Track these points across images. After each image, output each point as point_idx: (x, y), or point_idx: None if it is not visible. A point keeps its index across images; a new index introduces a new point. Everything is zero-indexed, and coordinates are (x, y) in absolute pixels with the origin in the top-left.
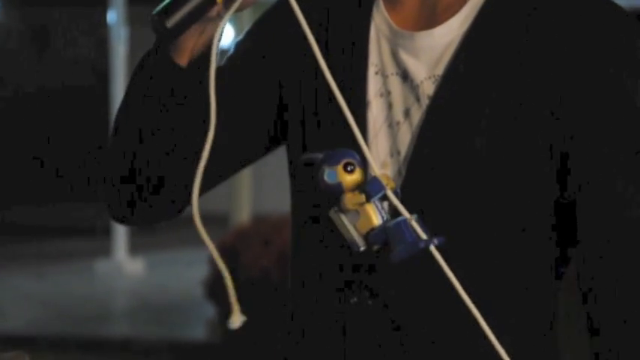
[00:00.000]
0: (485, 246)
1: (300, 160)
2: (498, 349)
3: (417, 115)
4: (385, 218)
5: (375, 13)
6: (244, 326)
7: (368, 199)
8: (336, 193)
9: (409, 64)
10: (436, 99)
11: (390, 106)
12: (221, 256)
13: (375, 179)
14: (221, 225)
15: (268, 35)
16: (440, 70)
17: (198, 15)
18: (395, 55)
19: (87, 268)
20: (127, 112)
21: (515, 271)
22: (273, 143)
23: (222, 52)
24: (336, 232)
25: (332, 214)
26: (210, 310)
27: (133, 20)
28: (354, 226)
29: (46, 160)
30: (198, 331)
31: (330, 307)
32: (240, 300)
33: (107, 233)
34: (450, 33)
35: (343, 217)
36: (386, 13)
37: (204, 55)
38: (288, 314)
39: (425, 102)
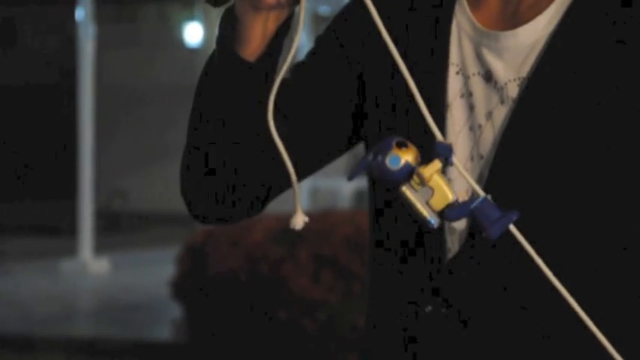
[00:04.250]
0: (571, 248)
1: (350, 176)
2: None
3: (500, 118)
4: (455, 193)
5: (457, 11)
6: (211, 326)
7: (445, 164)
8: (406, 175)
9: (493, 64)
10: (521, 101)
11: (471, 107)
12: (189, 256)
13: (440, 143)
14: (189, 225)
15: (348, 31)
16: (525, 72)
17: None
18: (479, 55)
19: (52, 267)
20: (198, 113)
21: (610, 276)
22: (354, 139)
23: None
24: (413, 240)
25: (403, 191)
26: (176, 310)
27: (100, 17)
28: (428, 203)
29: (11, 158)
30: (163, 331)
31: (403, 316)
32: (207, 300)
33: (72, 232)
34: (535, 33)
35: (415, 194)
36: (469, 12)
37: (271, 48)
38: (366, 318)
39: (509, 104)
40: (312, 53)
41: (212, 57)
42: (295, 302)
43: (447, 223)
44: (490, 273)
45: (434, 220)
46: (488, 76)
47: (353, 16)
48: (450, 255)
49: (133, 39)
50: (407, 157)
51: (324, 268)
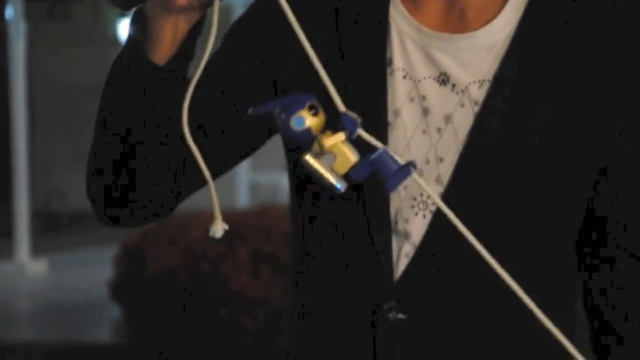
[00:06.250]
0: (526, 251)
1: (252, 111)
2: (567, 346)
3: (462, 121)
4: (358, 155)
5: (393, 14)
6: (151, 326)
7: (349, 135)
8: (304, 139)
9: (450, 67)
10: (487, 104)
11: (425, 111)
12: (126, 256)
13: (346, 115)
14: None
15: (260, 27)
16: (484, 75)
17: None
18: (430, 58)
19: None
20: (105, 115)
21: (548, 277)
22: (270, 134)
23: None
24: (361, 245)
25: (307, 159)
26: (115, 311)
27: (31, 15)
28: (331, 168)
29: None
30: (103, 333)
31: (359, 324)
32: (146, 300)
33: (8, 234)
34: (493, 35)
35: (318, 161)
36: (408, 15)
37: (181, 51)
38: (295, 322)
39: (472, 107)
40: (221, 51)
41: (119, 58)
42: (235, 300)
43: (401, 228)
44: (446, 280)
45: (340, 185)
46: (442, 79)
47: (266, 13)
48: (406, 261)
49: (66, 36)
50: (312, 122)
51: (263, 264)
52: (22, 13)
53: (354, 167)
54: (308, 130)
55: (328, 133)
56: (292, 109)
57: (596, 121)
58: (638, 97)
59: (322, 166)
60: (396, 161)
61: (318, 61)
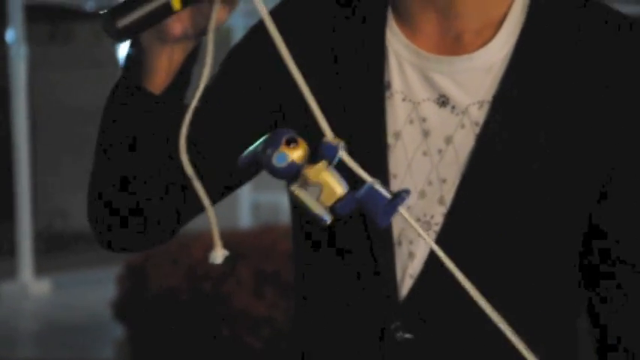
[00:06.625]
0: (530, 270)
1: (240, 164)
2: None
3: (463, 142)
4: (347, 186)
5: (390, 38)
6: (154, 346)
7: (330, 164)
8: (292, 174)
9: (449, 89)
10: (487, 125)
11: (425, 133)
12: (129, 276)
13: (327, 143)
14: None
15: (257, 53)
16: (483, 96)
17: (152, 20)
18: (429, 81)
19: None
20: (103, 143)
21: (550, 301)
22: None
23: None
24: (365, 266)
25: (293, 190)
26: (118, 331)
27: (32, 38)
28: (318, 200)
29: None
30: (106, 352)
31: (366, 344)
32: (149, 319)
33: (12, 254)
34: (490, 57)
35: (305, 193)
36: (405, 39)
37: (177, 80)
38: (300, 343)
39: (472, 128)
40: (219, 77)
41: (116, 87)
42: (238, 319)
43: (405, 249)
44: (451, 299)
45: (326, 217)
46: (442, 101)
47: (262, 39)
48: (411, 282)
49: (68, 58)
50: (294, 155)
51: (266, 284)
52: (24, 35)
53: (340, 199)
54: (292, 164)
55: (312, 164)
56: (272, 147)
57: (596, 139)
58: (637, 115)
59: (308, 197)
60: (384, 196)
61: (307, 88)
